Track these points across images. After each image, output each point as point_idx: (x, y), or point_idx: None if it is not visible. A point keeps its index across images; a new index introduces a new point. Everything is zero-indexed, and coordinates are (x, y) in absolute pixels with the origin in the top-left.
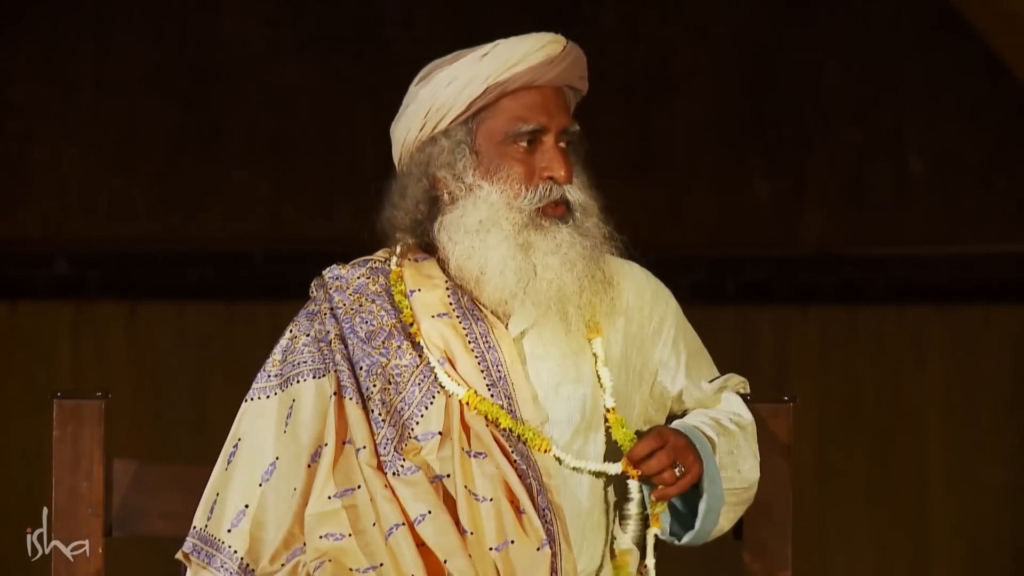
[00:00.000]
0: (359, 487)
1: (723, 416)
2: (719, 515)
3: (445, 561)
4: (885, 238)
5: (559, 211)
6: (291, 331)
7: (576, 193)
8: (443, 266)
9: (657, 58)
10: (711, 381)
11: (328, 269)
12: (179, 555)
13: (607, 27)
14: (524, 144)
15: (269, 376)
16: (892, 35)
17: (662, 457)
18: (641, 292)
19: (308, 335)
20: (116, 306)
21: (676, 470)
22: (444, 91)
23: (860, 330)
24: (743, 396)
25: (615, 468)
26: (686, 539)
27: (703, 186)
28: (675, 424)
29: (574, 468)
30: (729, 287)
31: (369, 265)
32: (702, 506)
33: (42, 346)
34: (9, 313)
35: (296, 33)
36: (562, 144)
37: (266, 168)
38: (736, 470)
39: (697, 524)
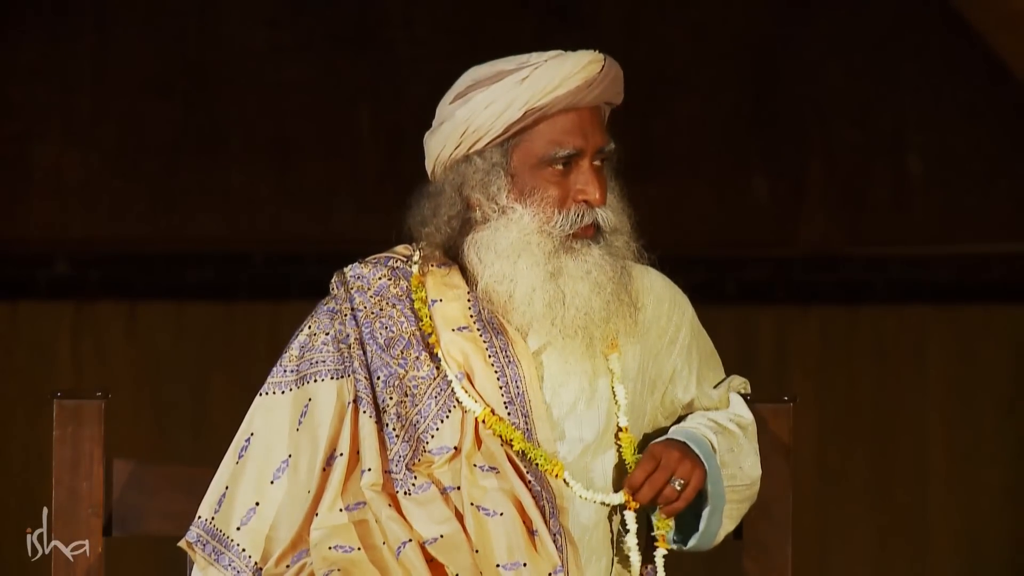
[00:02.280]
0: None
1: (722, 417)
2: (722, 515)
3: (456, 575)
4: (885, 238)
5: (589, 232)
6: (310, 327)
7: (609, 215)
8: (466, 274)
9: (657, 58)
10: (717, 386)
11: (350, 267)
12: (182, 543)
13: (607, 27)
14: (559, 167)
15: (285, 371)
16: (892, 35)
17: (655, 481)
18: (660, 302)
19: (328, 334)
20: (116, 306)
21: (676, 484)
22: (482, 114)
23: (860, 330)
24: (744, 396)
25: (618, 498)
26: (692, 543)
27: (703, 186)
28: (674, 429)
29: (581, 497)
30: (729, 287)
31: (390, 264)
32: (706, 508)
33: (42, 346)
34: (9, 313)
35: (296, 33)
36: (597, 163)
37: (266, 168)
38: (737, 467)
39: (702, 525)
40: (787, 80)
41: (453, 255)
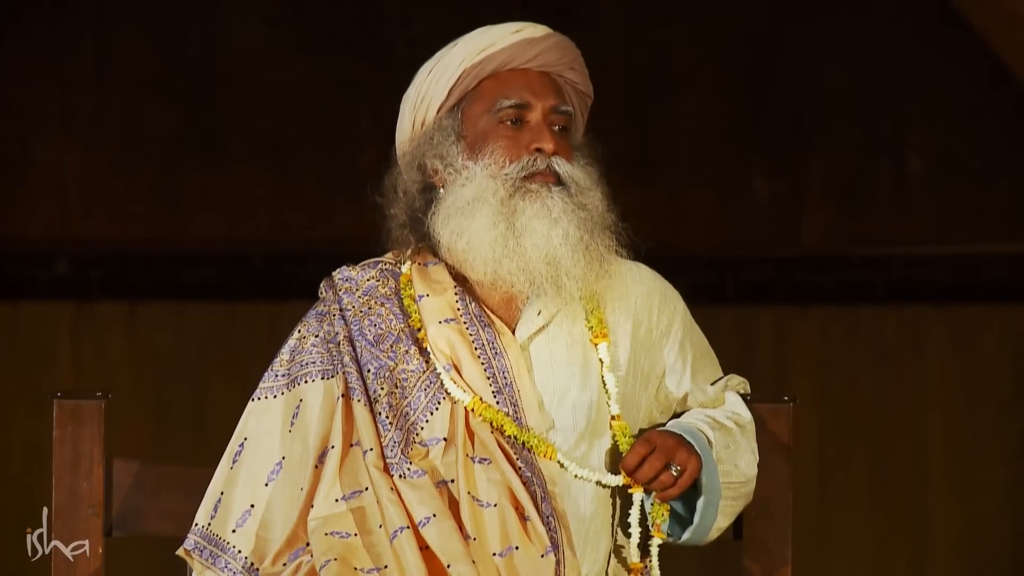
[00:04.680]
0: (366, 489)
1: (720, 414)
2: (717, 509)
3: (448, 565)
4: (885, 238)
5: (550, 178)
6: (299, 331)
7: (567, 166)
8: (451, 271)
9: (657, 58)
10: (714, 383)
11: (338, 270)
12: (180, 551)
13: (607, 27)
14: (509, 122)
15: (277, 375)
16: (892, 35)
17: (654, 461)
18: (650, 295)
19: (317, 336)
20: (116, 306)
21: (673, 470)
22: (424, 82)
23: (860, 330)
24: (743, 396)
25: (616, 480)
26: (686, 536)
27: (703, 186)
28: (671, 423)
29: (577, 476)
30: (729, 287)
31: (379, 267)
32: (700, 501)
33: (42, 346)
34: (9, 313)
35: (296, 33)
36: (555, 127)
37: (266, 168)
38: (733, 464)
39: (696, 519)
40: (787, 80)
41: (438, 254)
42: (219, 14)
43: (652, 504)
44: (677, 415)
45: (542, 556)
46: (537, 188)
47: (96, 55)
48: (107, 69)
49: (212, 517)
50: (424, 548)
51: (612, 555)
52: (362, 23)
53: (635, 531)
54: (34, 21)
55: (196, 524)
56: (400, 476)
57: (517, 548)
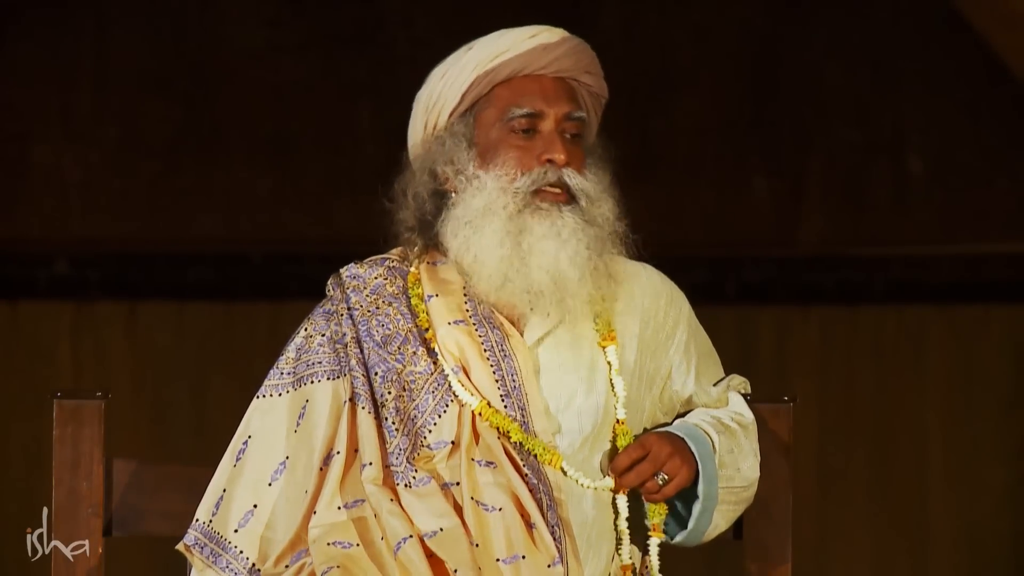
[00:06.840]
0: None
1: (724, 415)
2: (714, 514)
3: (455, 571)
4: (885, 238)
5: (560, 197)
6: (306, 329)
7: (578, 179)
8: (461, 271)
9: (657, 58)
10: (716, 384)
11: (346, 268)
12: (180, 546)
13: (607, 27)
14: (521, 131)
15: (282, 374)
16: (892, 35)
17: (641, 470)
18: (656, 296)
19: (324, 335)
20: (116, 306)
21: (659, 479)
22: (437, 85)
23: (860, 330)
24: (744, 396)
25: (609, 483)
26: (679, 538)
27: (703, 186)
28: (676, 423)
29: (579, 483)
30: (729, 287)
31: (387, 264)
32: (696, 507)
33: (42, 346)
34: (9, 313)
35: (296, 33)
36: (568, 135)
37: (266, 168)
38: (736, 468)
39: (691, 524)
40: (787, 80)
41: (444, 251)
42: (219, 14)
43: (648, 504)
44: (681, 415)
45: (549, 566)
46: (548, 207)
47: (96, 55)
48: (107, 69)
49: (214, 514)
50: (430, 556)
51: (615, 557)
52: (362, 23)
53: (624, 533)
54: (34, 21)
55: (197, 520)
56: (406, 485)
57: (524, 557)
